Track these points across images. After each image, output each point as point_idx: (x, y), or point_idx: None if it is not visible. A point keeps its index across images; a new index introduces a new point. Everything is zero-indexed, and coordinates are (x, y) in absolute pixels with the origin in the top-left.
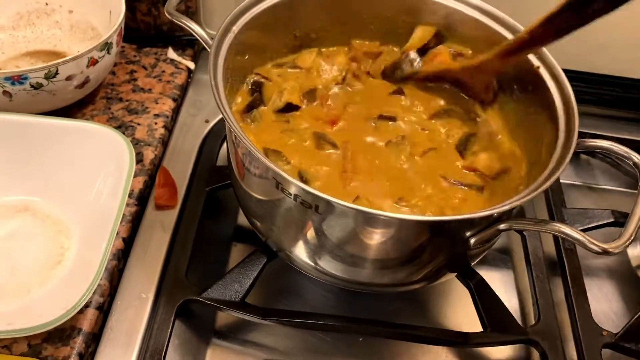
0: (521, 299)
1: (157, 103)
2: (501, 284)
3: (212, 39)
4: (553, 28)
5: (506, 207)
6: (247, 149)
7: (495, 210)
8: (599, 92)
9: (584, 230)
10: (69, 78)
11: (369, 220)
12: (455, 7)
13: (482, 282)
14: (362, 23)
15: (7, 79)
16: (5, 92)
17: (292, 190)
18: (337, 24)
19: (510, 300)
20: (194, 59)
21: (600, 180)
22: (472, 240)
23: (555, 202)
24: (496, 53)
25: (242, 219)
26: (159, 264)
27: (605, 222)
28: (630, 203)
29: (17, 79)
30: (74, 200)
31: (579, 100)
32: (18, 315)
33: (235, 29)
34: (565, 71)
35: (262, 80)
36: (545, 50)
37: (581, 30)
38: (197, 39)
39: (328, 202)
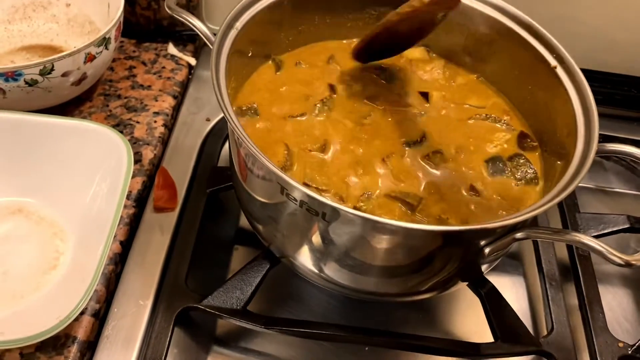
0: (533, 306)
1: (156, 100)
2: (512, 291)
3: (214, 34)
4: None
5: (523, 217)
6: (250, 151)
7: (511, 220)
8: (612, 91)
9: (598, 237)
10: (65, 74)
11: (378, 228)
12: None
13: (494, 290)
14: (369, 17)
15: (0, 75)
16: None
17: (298, 196)
18: (343, 18)
19: (521, 308)
20: (195, 55)
21: (614, 183)
22: (487, 250)
23: (568, 206)
24: None
25: (244, 221)
26: (158, 269)
27: (621, 227)
28: None
29: (11, 75)
30: (69, 202)
31: (595, 100)
32: (10, 323)
33: (239, 25)
34: (582, 70)
35: None
36: (563, 49)
37: (594, 29)
38: (198, 35)
39: (335, 210)
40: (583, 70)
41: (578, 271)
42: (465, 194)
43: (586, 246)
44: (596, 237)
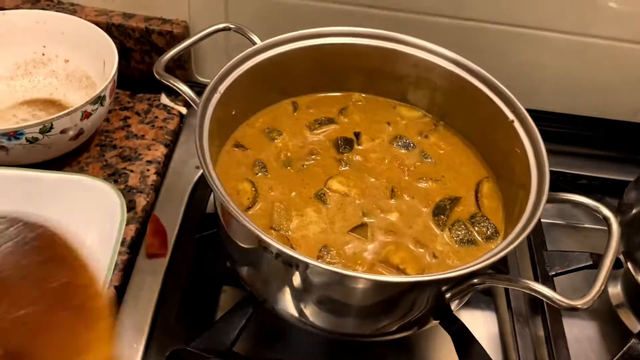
0: (504, 341)
1: (149, 149)
2: (484, 326)
3: (199, 95)
4: None
5: (475, 267)
6: (229, 210)
7: (466, 270)
8: (582, 133)
9: (562, 274)
10: (63, 131)
11: (348, 280)
12: (426, 57)
13: (463, 328)
14: (346, 75)
15: (3, 135)
16: (1, 147)
17: (273, 250)
18: (322, 77)
19: (493, 343)
20: (187, 105)
21: (583, 219)
22: (448, 295)
23: (536, 245)
24: None
25: None
26: (150, 313)
27: (584, 265)
28: None
29: (13, 135)
30: None
31: (563, 141)
32: None
33: (222, 88)
34: (549, 113)
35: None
36: (519, 104)
37: (559, 74)
38: (190, 85)
39: (307, 264)
40: (556, 114)
41: (544, 306)
42: (428, 259)
43: (537, 293)
44: (561, 274)
